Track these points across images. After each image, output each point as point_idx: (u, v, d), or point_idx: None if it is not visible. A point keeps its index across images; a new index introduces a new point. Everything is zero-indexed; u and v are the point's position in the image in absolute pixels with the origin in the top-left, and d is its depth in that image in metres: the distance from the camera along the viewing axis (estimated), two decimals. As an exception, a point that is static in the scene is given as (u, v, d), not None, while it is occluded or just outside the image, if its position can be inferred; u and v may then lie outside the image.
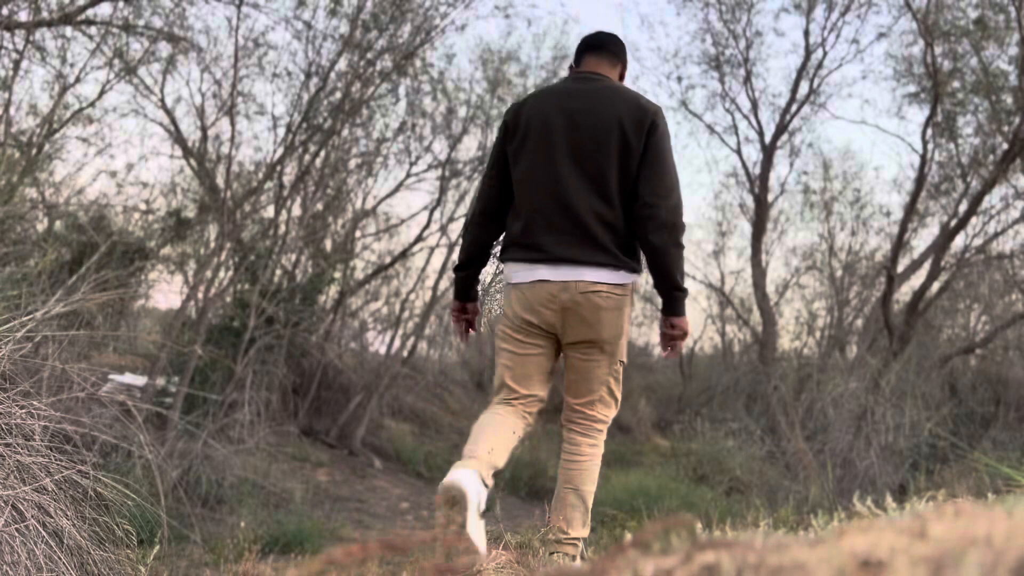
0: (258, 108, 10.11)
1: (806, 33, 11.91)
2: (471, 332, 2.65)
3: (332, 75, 9.09)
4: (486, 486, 2.16)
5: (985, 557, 0.48)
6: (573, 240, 2.28)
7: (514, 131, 2.40)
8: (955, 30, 9.97)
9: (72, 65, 8.10)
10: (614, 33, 2.58)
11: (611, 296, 2.30)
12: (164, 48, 8.98)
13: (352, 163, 11.56)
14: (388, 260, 13.38)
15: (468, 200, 13.58)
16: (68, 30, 7.62)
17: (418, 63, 10.23)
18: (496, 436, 2.37)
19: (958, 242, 11.32)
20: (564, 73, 13.67)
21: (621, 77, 2.56)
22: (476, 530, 2.05)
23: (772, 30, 19.18)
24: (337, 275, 11.87)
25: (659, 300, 2.48)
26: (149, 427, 6.31)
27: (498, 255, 2.50)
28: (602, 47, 2.51)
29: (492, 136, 13.28)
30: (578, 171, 2.29)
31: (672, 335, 2.46)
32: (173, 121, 10.37)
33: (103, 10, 7.65)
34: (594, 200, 2.28)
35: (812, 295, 17.34)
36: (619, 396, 2.50)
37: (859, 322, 15.32)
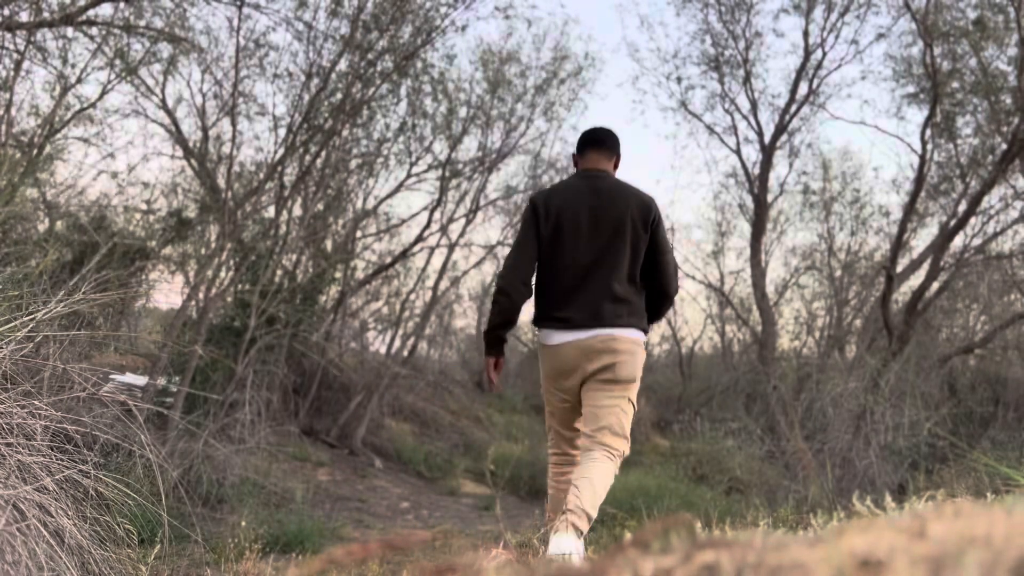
0: (259, 108, 10.12)
1: (805, 34, 11.91)
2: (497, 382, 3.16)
3: (333, 76, 9.09)
4: (581, 537, 2.58)
5: (984, 557, 0.48)
6: (596, 313, 2.85)
7: (546, 219, 2.93)
8: (954, 31, 9.97)
9: (73, 66, 8.11)
10: (609, 129, 3.14)
11: (627, 342, 2.86)
12: (165, 49, 8.99)
13: (353, 163, 11.56)
14: (388, 260, 13.39)
15: (468, 200, 13.58)
16: (69, 31, 7.62)
17: (419, 64, 10.23)
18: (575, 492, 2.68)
19: (957, 242, 11.34)
20: (563, 74, 13.58)
21: (616, 165, 3.13)
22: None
23: (771, 31, 19.19)
24: (338, 275, 11.88)
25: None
26: (150, 427, 6.30)
27: (534, 322, 3.03)
28: (601, 143, 3.08)
29: (492, 136, 13.29)
30: (600, 258, 2.88)
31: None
32: (174, 121, 10.38)
33: (104, 11, 7.65)
34: (613, 281, 2.87)
35: (811, 295, 17.36)
36: (628, 434, 2.90)
37: (858, 322, 15.32)
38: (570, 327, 2.85)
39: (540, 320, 2.98)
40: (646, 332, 2.97)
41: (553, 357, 2.91)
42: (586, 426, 2.90)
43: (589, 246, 2.87)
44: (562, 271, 2.90)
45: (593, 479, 2.67)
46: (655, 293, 2.99)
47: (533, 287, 3.00)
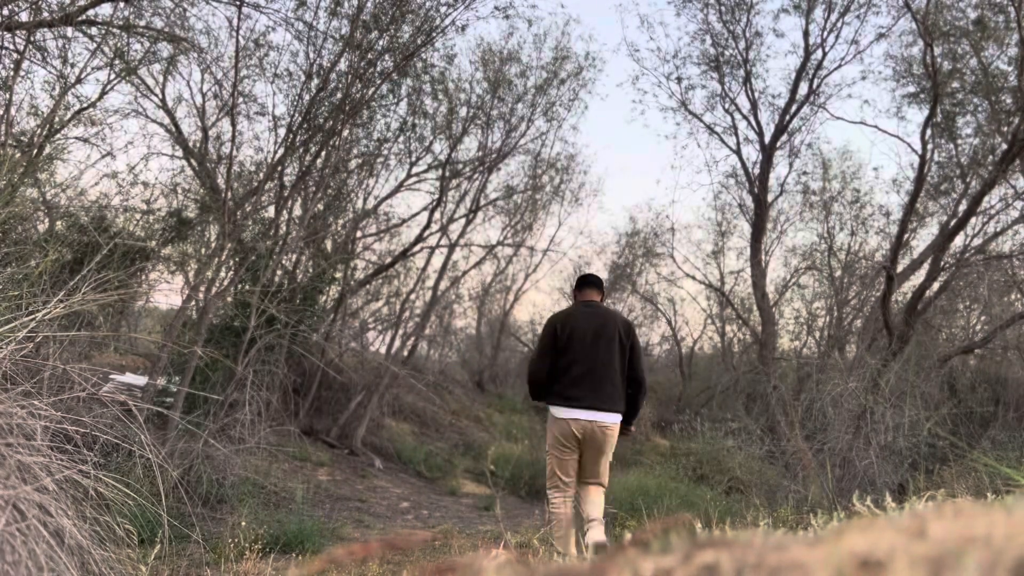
0: (259, 108, 10.12)
1: (805, 34, 11.91)
2: None
3: (333, 75, 9.09)
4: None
5: (984, 557, 0.48)
6: (596, 396, 4.17)
7: (561, 332, 4.28)
8: (955, 30, 9.97)
9: (73, 65, 8.11)
10: (596, 274, 4.81)
11: (614, 428, 4.23)
12: (165, 49, 8.99)
13: (353, 163, 11.56)
14: (388, 260, 13.39)
15: (468, 200, 13.59)
16: (69, 31, 7.62)
17: (419, 64, 10.23)
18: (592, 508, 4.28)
19: (957, 242, 11.33)
20: (563, 74, 13.54)
21: (603, 298, 4.59)
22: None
23: (771, 31, 19.16)
24: (338, 275, 11.87)
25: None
26: (150, 427, 6.31)
27: (548, 400, 4.28)
28: (594, 284, 4.56)
29: (492, 136, 13.29)
30: (600, 360, 4.22)
31: (629, 433, 4.49)
32: (174, 121, 10.38)
33: (104, 10, 7.65)
34: (609, 376, 4.21)
35: (811, 295, 17.35)
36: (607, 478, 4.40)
37: (858, 322, 15.32)
38: (576, 406, 4.15)
39: (554, 398, 4.23)
40: (624, 416, 4.33)
41: (562, 426, 4.19)
42: (584, 473, 4.28)
43: (591, 351, 4.20)
44: (572, 366, 4.20)
45: (598, 502, 4.24)
46: (634, 381, 4.33)
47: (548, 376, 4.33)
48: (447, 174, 12.83)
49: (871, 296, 14.64)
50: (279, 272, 9.96)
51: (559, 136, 19.88)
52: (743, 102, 13.32)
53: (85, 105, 8.47)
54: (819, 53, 11.99)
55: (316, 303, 10.58)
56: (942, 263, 10.48)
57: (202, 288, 8.78)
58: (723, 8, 12.26)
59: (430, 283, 13.76)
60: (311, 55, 9.23)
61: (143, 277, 9.99)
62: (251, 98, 9.86)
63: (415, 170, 12.83)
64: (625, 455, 13.50)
